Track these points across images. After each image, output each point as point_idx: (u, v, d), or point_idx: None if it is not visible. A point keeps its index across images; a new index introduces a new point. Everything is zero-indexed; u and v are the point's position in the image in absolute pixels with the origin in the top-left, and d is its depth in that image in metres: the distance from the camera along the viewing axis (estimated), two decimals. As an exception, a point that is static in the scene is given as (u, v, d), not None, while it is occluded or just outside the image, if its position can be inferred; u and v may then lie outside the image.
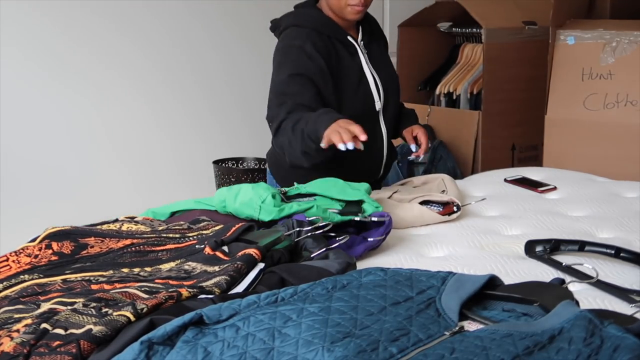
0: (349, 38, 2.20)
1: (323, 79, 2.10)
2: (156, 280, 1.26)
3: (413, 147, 2.26)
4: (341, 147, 1.79)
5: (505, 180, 2.30)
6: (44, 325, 1.09)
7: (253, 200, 1.62)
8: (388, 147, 2.29)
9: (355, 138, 1.79)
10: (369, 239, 1.57)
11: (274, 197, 1.63)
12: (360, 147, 1.80)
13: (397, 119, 2.37)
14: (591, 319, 0.94)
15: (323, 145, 1.87)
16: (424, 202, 1.91)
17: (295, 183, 1.90)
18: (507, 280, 1.20)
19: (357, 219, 1.62)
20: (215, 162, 3.11)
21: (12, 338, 1.07)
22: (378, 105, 2.21)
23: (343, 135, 1.79)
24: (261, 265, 1.30)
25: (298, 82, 2.09)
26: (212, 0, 3.10)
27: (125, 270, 1.35)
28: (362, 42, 2.24)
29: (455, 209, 1.90)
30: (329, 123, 1.85)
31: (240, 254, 1.32)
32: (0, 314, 1.19)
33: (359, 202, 1.74)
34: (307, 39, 2.14)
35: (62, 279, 1.32)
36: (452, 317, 1.02)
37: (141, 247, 1.45)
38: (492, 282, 1.12)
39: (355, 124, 1.82)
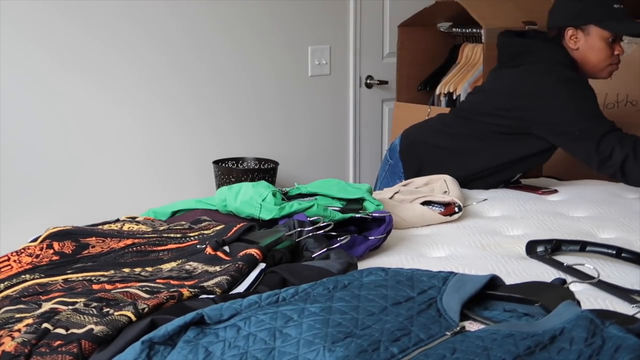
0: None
1: None
2: (157, 280, 1.26)
3: None
4: None
5: (505, 186, 2.31)
6: (45, 325, 1.09)
7: (254, 198, 1.62)
8: None
9: None
10: (370, 238, 1.57)
11: (274, 195, 1.63)
12: None
13: None
14: (592, 319, 0.94)
15: None
16: (425, 203, 1.91)
17: (295, 184, 1.91)
18: (508, 280, 1.20)
19: (357, 216, 1.62)
20: (215, 162, 3.10)
21: (13, 338, 1.07)
22: None
23: None
24: (262, 265, 1.30)
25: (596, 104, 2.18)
26: (215, 1, 3.10)
27: (127, 270, 1.35)
28: None
29: (456, 209, 1.90)
30: None
31: (241, 254, 1.32)
32: (1, 313, 1.19)
33: (360, 200, 1.75)
34: (574, 76, 2.21)
35: (63, 279, 1.32)
36: (453, 317, 1.02)
37: (142, 247, 1.45)
38: (493, 282, 1.12)
39: None
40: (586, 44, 2.24)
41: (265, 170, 3.07)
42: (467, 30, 3.47)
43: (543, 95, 2.18)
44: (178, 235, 1.50)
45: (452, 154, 2.36)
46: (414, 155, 2.48)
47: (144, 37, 2.94)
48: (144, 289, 1.21)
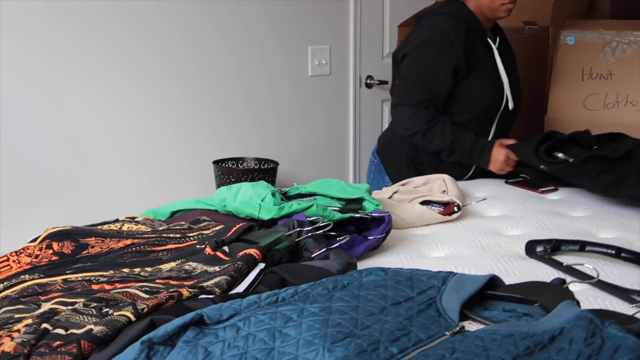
0: (488, 40, 2.37)
1: (459, 70, 2.30)
2: (157, 280, 1.26)
3: None
4: None
5: (506, 182, 2.31)
6: (44, 325, 1.09)
7: (253, 198, 1.62)
8: None
9: None
10: (370, 238, 1.57)
11: (273, 195, 1.63)
12: None
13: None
14: (592, 319, 0.94)
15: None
16: (424, 202, 1.91)
17: (295, 184, 1.91)
18: (508, 280, 1.20)
19: (357, 215, 1.62)
20: (215, 162, 3.11)
21: (12, 338, 1.07)
22: (511, 104, 2.42)
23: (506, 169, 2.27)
24: (262, 266, 1.30)
25: (439, 79, 2.31)
26: (215, 0, 3.11)
27: (126, 270, 1.35)
28: (497, 49, 2.40)
29: (455, 209, 1.90)
30: (489, 159, 2.29)
31: (240, 254, 1.32)
32: (0, 314, 1.19)
33: (359, 200, 1.75)
34: (454, 28, 2.31)
35: (62, 279, 1.32)
36: (453, 317, 1.02)
37: (142, 247, 1.45)
38: (493, 282, 1.12)
39: (513, 155, 2.25)
40: None
41: (265, 170, 3.07)
42: (467, 30, 3.46)
43: (409, 52, 2.37)
44: (177, 236, 1.50)
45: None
46: (388, 153, 2.52)
47: (144, 37, 2.94)
48: (143, 289, 1.21)
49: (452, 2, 2.41)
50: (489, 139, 2.42)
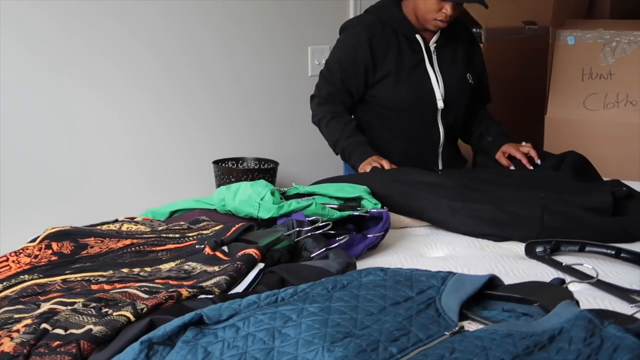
0: (417, 37, 2.36)
1: (364, 67, 2.34)
2: (156, 281, 1.26)
3: (512, 168, 2.35)
4: None
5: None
6: (43, 325, 1.09)
7: (252, 197, 1.62)
8: (444, 148, 2.43)
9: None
10: (369, 236, 1.57)
11: (272, 194, 1.62)
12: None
13: (466, 126, 2.52)
14: (591, 319, 0.94)
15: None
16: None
17: (293, 183, 1.91)
18: (507, 280, 1.19)
19: (356, 214, 1.62)
20: (215, 162, 3.10)
21: (12, 338, 1.07)
22: (440, 104, 2.36)
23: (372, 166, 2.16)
24: (261, 265, 1.30)
25: (340, 69, 2.37)
26: (216, 1, 3.11)
27: (125, 270, 1.35)
28: (434, 44, 2.38)
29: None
30: (364, 159, 2.22)
31: (240, 254, 1.32)
32: (0, 314, 1.19)
33: (357, 199, 1.75)
34: (368, 27, 2.36)
35: (62, 279, 1.32)
36: (452, 317, 1.02)
37: (141, 247, 1.45)
38: (492, 282, 1.12)
39: (385, 160, 2.18)
40: None
41: (265, 170, 3.07)
42: (467, 30, 3.47)
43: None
44: (177, 236, 1.50)
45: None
46: None
47: (144, 38, 2.94)
48: (142, 289, 1.21)
49: (383, 2, 2.44)
50: (441, 139, 2.41)
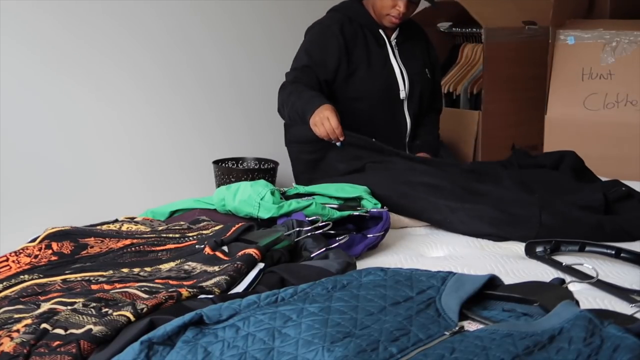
0: (380, 31, 2.47)
1: (338, 59, 2.40)
2: (156, 280, 1.26)
3: None
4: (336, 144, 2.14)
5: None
6: (43, 325, 1.09)
7: (252, 197, 1.62)
8: (410, 139, 2.52)
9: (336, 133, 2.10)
10: (369, 236, 1.57)
11: (272, 194, 1.62)
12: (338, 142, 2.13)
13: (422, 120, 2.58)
14: (591, 319, 0.94)
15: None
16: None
17: (293, 184, 1.91)
18: (507, 280, 1.19)
19: (355, 213, 1.62)
20: (215, 162, 3.11)
21: (12, 338, 1.07)
22: (402, 94, 2.47)
23: (320, 129, 2.11)
24: (261, 265, 1.30)
25: (310, 59, 2.40)
26: (216, 2, 3.11)
27: (125, 270, 1.35)
28: (395, 40, 2.50)
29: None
30: (316, 108, 2.14)
31: (240, 254, 1.31)
32: (0, 314, 1.19)
33: (357, 199, 1.75)
34: (338, 21, 2.46)
35: (62, 279, 1.32)
36: (452, 317, 1.02)
37: (141, 247, 1.45)
38: (492, 282, 1.12)
39: (335, 119, 2.10)
40: None
41: (265, 170, 3.07)
42: (467, 30, 3.47)
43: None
44: (177, 236, 1.50)
45: None
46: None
47: (145, 39, 2.94)
48: (142, 289, 1.21)
49: (344, 1, 2.55)
50: (408, 129, 2.50)
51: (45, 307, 1.17)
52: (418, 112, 2.53)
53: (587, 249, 1.61)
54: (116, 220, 1.63)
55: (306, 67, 2.40)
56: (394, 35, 2.50)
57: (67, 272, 1.36)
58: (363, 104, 2.44)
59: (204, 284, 1.22)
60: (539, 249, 1.61)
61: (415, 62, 2.54)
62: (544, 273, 1.50)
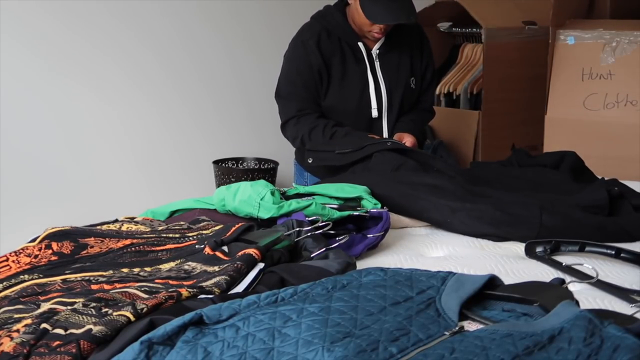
0: (360, 44, 2.39)
1: (319, 73, 2.37)
2: (156, 280, 1.26)
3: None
4: None
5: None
6: (43, 325, 1.09)
7: (252, 197, 1.62)
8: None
9: None
10: (369, 236, 1.57)
11: (272, 194, 1.62)
12: None
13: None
14: (591, 319, 0.94)
15: None
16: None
17: (293, 184, 1.91)
18: (507, 280, 1.19)
19: (355, 213, 1.62)
20: (215, 162, 3.11)
21: (12, 338, 1.07)
22: (374, 113, 2.42)
23: None
24: (261, 265, 1.30)
25: (298, 82, 2.39)
26: (217, 0, 3.11)
27: (125, 270, 1.35)
28: (377, 51, 2.42)
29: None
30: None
31: (240, 253, 1.31)
32: (0, 314, 1.19)
33: (357, 199, 1.75)
34: (315, 35, 2.39)
35: (61, 279, 1.32)
36: (452, 317, 1.02)
37: (141, 247, 1.45)
38: (492, 282, 1.12)
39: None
40: (355, 4, 2.37)
41: (265, 170, 3.08)
42: (467, 30, 3.47)
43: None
44: (177, 236, 1.50)
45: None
46: (299, 156, 2.53)
47: (145, 39, 2.94)
48: (142, 289, 1.21)
49: (335, 6, 2.47)
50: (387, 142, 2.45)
51: (45, 307, 1.17)
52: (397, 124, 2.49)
53: (587, 249, 1.61)
54: (116, 220, 1.63)
55: (302, 89, 2.39)
56: (376, 47, 2.43)
57: (67, 272, 1.36)
58: (338, 117, 2.42)
59: (204, 284, 1.22)
60: (539, 249, 1.61)
61: (399, 73, 2.47)
62: (544, 273, 1.50)
